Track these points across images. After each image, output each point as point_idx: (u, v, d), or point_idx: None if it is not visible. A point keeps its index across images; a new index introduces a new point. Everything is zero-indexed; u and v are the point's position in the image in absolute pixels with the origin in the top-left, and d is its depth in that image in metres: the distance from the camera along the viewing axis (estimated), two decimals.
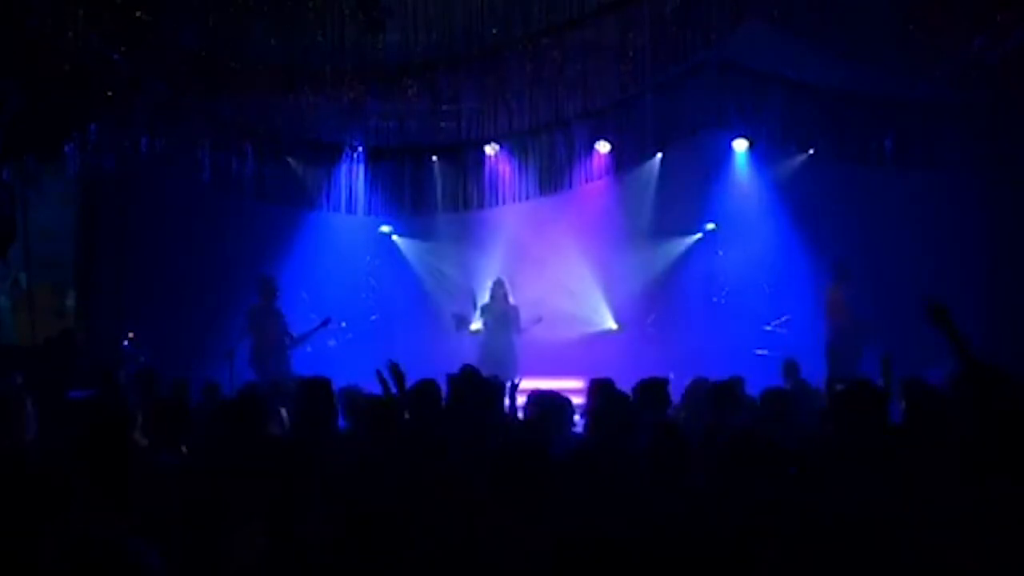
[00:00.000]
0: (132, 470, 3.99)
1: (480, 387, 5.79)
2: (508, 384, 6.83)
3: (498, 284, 11.56)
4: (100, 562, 2.60)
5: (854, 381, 5.05)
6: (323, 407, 5.21)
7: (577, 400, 6.20)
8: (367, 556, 2.96)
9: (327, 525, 3.11)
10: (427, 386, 5.47)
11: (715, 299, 12.66)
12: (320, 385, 5.30)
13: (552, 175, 10.73)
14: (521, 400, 6.68)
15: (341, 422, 5.71)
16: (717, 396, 5.80)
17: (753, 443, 3.78)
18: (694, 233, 12.89)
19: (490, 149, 10.83)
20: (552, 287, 12.48)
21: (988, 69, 8.81)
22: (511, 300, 11.44)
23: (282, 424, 6.12)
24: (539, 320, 11.36)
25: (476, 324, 11.80)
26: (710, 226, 12.78)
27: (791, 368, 9.15)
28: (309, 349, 11.15)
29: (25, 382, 7.57)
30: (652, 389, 5.84)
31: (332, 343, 12.03)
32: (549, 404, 5.74)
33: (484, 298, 11.82)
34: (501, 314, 11.32)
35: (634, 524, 3.43)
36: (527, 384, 10.54)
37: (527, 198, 10.99)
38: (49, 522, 3.02)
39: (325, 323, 10.80)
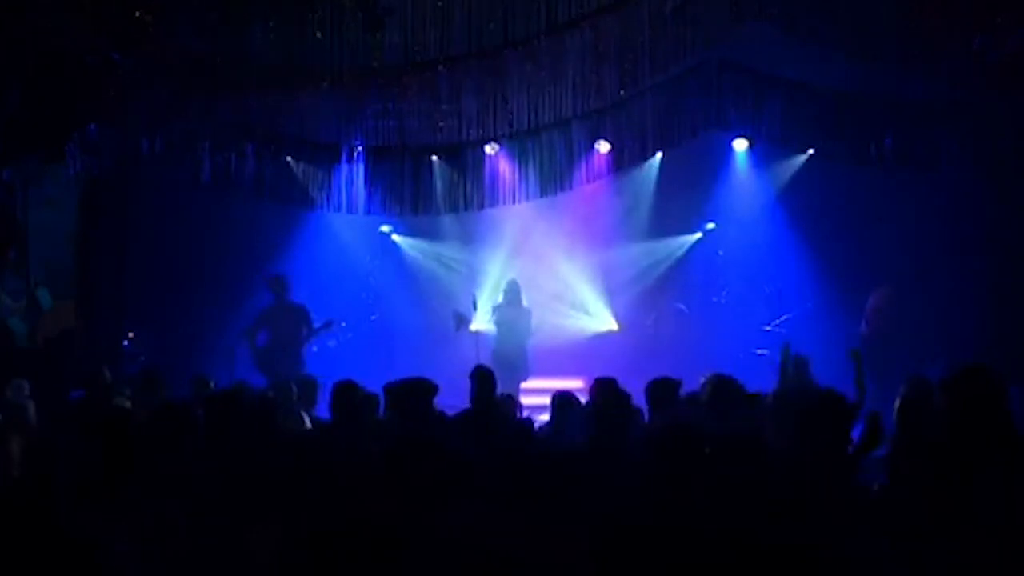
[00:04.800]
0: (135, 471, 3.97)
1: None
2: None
3: (512, 285, 11.26)
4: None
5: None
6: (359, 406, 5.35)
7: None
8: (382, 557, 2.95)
9: (343, 524, 3.10)
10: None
11: (715, 299, 12.65)
12: (352, 387, 5.46)
13: (552, 175, 10.74)
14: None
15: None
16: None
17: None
18: (694, 233, 12.88)
19: (490, 149, 10.82)
20: (552, 287, 12.46)
21: (988, 69, 8.81)
22: (524, 302, 11.21)
23: (302, 424, 6.14)
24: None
25: (476, 324, 11.75)
26: (710, 226, 12.76)
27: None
28: (315, 349, 11.14)
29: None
30: (663, 389, 5.84)
31: (332, 343, 12.02)
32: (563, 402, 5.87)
33: (484, 298, 11.77)
34: (514, 316, 11.05)
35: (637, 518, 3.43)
36: (530, 384, 10.70)
37: (527, 198, 11.00)
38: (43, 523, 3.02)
39: (328, 325, 10.76)
